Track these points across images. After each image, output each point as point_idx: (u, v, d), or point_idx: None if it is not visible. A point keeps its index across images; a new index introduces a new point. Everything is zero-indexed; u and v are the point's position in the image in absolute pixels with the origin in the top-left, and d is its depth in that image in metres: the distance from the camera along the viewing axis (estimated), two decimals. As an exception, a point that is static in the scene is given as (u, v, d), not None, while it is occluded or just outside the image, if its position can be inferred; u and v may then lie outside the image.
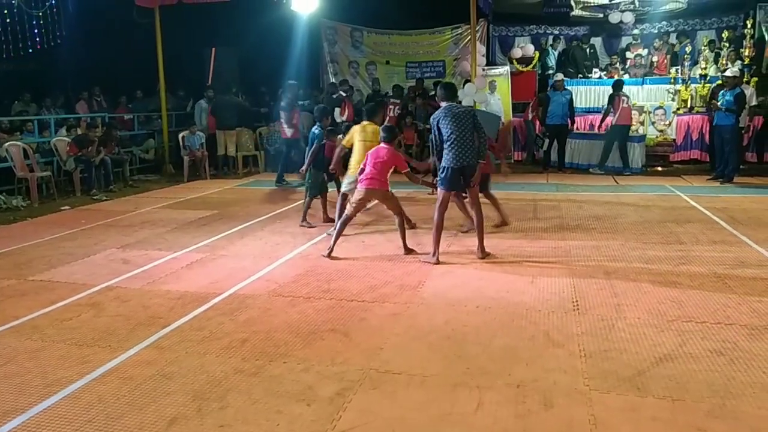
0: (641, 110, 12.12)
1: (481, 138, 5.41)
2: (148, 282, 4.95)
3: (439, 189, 5.48)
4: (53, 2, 10.09)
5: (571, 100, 11.16)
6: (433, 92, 12.95)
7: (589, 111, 12.47)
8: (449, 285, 4.75)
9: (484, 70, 12.29)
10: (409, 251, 5.66)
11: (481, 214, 5.52)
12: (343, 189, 6.62)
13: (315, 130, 7.03)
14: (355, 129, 6.52)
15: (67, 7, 10.51)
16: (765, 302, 4.17)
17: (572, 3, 13.50)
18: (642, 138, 11.11)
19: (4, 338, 3.84)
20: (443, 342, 3.64)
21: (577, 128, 11.59)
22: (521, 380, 3.12)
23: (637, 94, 12.44)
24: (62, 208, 8.56)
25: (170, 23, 12.07)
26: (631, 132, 11.13)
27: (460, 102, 11.27)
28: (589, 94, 12.89)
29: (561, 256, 5.50)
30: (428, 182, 6.26)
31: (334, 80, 15.26)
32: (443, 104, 5.51)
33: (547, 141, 11.40)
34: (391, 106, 12.31)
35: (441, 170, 5.43)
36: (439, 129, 5.39)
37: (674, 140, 11.54)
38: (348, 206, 5.74)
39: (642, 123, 12.12)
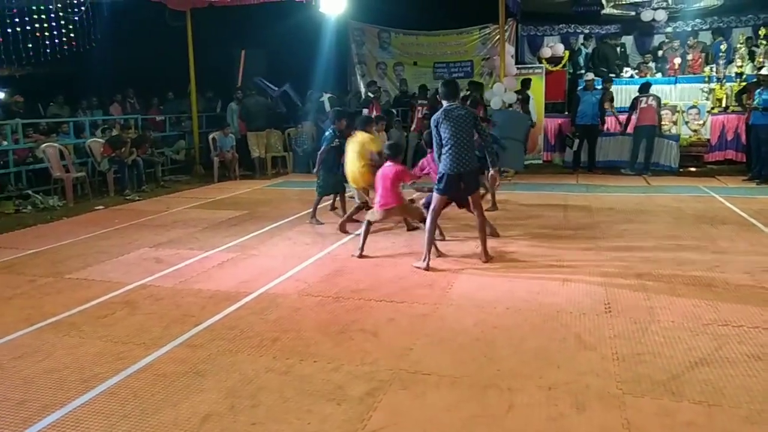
0: (674, 110, 11.91)
1: (486, 142, 5.24)
2: (180, 281, 5.03)
3: (434, 193, 5.32)
4: (88, 5, 10.29)
5: (601, 100, 11.01)
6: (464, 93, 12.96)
7: (620, 111, 12.28)
8: (478, 286, 4.72)
9: (519, 69, 12.20)
10: (439, 254, 5.58)
11: (483, 217, 5.41)
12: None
13: (327, 132, 7.14)
14: (350, 140, 6.63)
15: (101, 10, 10.71)
16: (805, 306, 4.06)
17: (603, 1, 13.31)
18: (677, 137, 10.92)
19: (43, 334, 3.94)
20: (473, 343, 3.62)
21: (608, 128, 11.44)
22: (553, 383, 3.09)
23: (670, 93, 12.23)
24: (96, 207, 8.75)
25: (201, 25, 12.24)
26: (664, 131, 10.95)
27: (471, 101, 11.15)
28: (620, 93, 12.69)
29: (592, 258, 5.43)
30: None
31: (361, 81, 15.35)
32: (444, 103, 5.28)
33: (577, 141, 11.26)
34: (418, 108, 12.32)
35: (438, 176, 5.25)
36: (438, 132, 5.18)
37: (708, 140, 11.31)
38: (370, 214, 5.76)
39: (675, 123, 11.91)
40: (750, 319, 3.87)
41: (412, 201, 6.20)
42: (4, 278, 5.19)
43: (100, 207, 8.79)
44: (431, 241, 5.28)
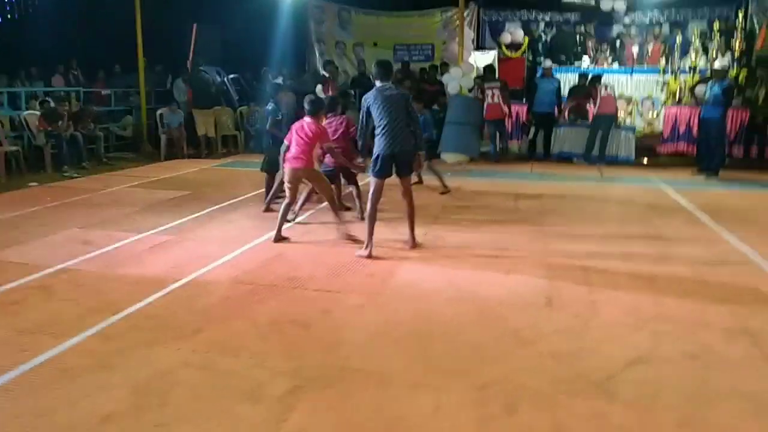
0: (629, 101, 11.97)
1: (415, 125, 5.06)
2: (105, 265, 4.72)
3: (371, 177, 5.12)
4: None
5: (558, 88, 10.96)
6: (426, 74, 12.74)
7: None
8: (420, 277, 4.56)
9: (473, 53, 12.04)
10: (350, 238, 5.41)
11: (412, 203, 5.22)
12: None
13: (268, 106, 6.95)
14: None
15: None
16: (744, 303, 4.02)
17: (562, -13, 13.27)
18: (634, 128, 10.97)
19: (-58, 322, 3.61)
20: (408, 338, 3.45)
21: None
22: (486, 381, 2.94)
23: (626, 84, 12.28)
24: (30, 184, 8.27)
25: (150, -3, 11.69)
26: (619, 122, 10.96)
27: (410, 82, 10.88)
28: (577, 82, 12.68)
29: (538, 248, 5.33)
30: (357, 165, 5.91)
31: (320, 60, 14.99)
32: (376, 83, 5.07)
33: (533, 129, 11.20)
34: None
35: (373, 158, 5.06)
36: (369, 113, 4.96)
37: (661, 132, 11.39)
38: (286, 190, 5.50)
39: (630, 114, 11.97)
40: (689, 316, 3.80)
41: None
42: None
43: (34, 183, 8.30)
44: (372, 228, 5.05)
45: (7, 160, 8.86)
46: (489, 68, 11.38)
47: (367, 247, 5.02)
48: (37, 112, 9.43)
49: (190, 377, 2.96)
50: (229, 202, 7.11)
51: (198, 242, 5.43)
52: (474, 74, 11.25)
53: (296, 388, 2.86)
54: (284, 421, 2.59)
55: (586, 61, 13.14)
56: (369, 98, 4.97)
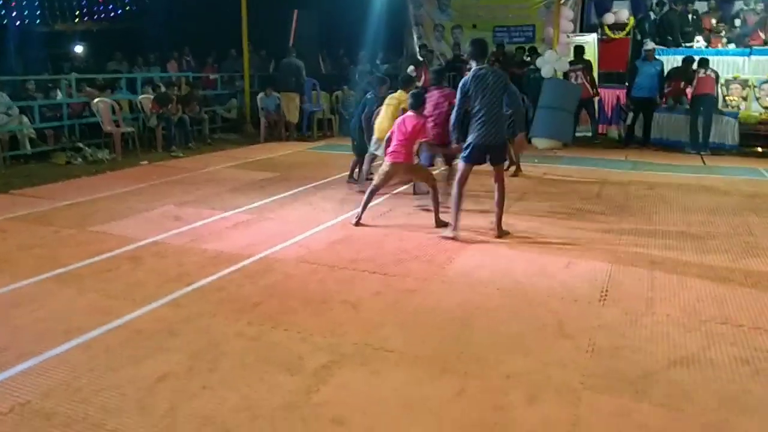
0: (745, 84, 11.08)
1: (516, 108, 5.07)
2: (191, 239, 5.17)
3: (459, 162, 5.20)
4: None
5: (661, 72, 10.36)
6: (519, 57, 12.49)
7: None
8: (478, 263, 4.62)
9: (568, 36, 11.62)
10: (441, 224, 5.50)
11: (503, 191, 5.22)
12: (370, 150, 6.83)
13: (368, 95, 7.17)
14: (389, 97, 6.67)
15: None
16: (822, 309, 3.75)
17: (676, -36, 12.41)
18: (735, 114, 10.18)
19: (47, 284, 4.15)
20: (449, 323, 3.56)
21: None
22: (514, 371, 3.00)
23: (743, 66, 11.36)
24: (141, 162, 9.08)
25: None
26: (732, 107, 10.22)
27: (527, 72, 10.74)
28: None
29: (609, 240, 5.20)
30: (449, 151, 5.96)
31: (417, 44, 15.05)
32: (473, 65, 5.04)
33: (631, 114, 10.70)
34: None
35: (465, 145, 5.09)
36: (465, 98, 4.96)
37: (781, 118, 10.48)
38: (375, 176, 5.69)
39: (745, 98, 11.09)
40: (754, 319, 3.62)
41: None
42: (32, 228, 5.49)
43: (145, 162, 9.11)
44: (458, 210, 5.16)
45: (123, 140, 9.76)
46: (576, 50, 11.00)
47: (454, 228, 5.15)
48: (151, 96, 10.28)
49: (240, 347, 3.25)
50: (312, 185, 7.46)
51: (276, 222, 5.79)
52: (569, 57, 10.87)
53: (332, 363, 3.07)
54: (315, 392, 2.81)
55: (699, 42, 12.30)
56: (466, 82, 4.96)
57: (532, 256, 4.80)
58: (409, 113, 5.48)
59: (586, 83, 10.54)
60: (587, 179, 7.84)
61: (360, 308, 3.78)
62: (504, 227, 5.28)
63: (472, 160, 5.09)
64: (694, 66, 10.12)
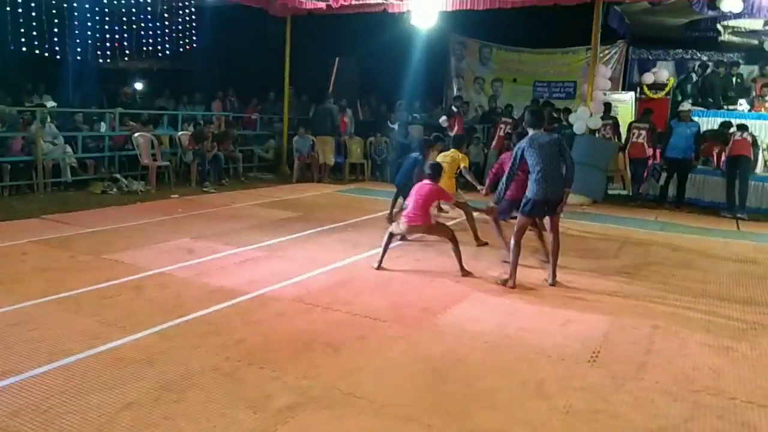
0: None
1: (567, 163, 5.33)
2: (196, 273, 5.29)
3: (519, 216, 5.51)
4: (191, 9, 11.11)
5: (697, 133, 10.16)
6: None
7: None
8: (474, 315, 4.56)
9: (604, 94, 11.58)
10: (466, 273, 5.57)
11: (558, 240, 5.46)
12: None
13: (417, 155, 7.45)
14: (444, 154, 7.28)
15: (205, 14, 11.50)
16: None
17: (720, 27, 12.31)
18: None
19: (49, 306, 4.31)
20: (426, 374, 3.51)
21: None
22: (478, 427, 2.92)
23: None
24: (172, 196, 9.39)
25: (299, 32, 12.75)
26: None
27: (557, 129, 10.87)
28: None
29: (616, 301, 5.05)
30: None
31: (458, 94, 15.24)
32: (530, 132, 5.47)
33: (664, 175, 10.49)
34: (501, 125, 12.04)
35: (524, 201, 5.42)
36: (523, 158, 5.37)
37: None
38: (394, 226, 5.83)
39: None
40: (749, 393, 3.43)
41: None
42: (51, 252, 5.73)
43: (176, 196, 9.41)
44: (516, 261, 5.32)
45: (159, 173, 10.14)
46: (605, 106, 11.02)
47: (510, 278, 5.30)
48: (189, 133, 10.70)
49: (212, 381, 3.28)
50: (331, 226, 7.55)
51: (284, 260, 5.86)
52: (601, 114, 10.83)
53: (297, 404, 3.06)
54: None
55: (742, 105, 12.07)
56: (523, 144, 5.39)
57: (532, 310, 4.72)
58: (426, 182, 5.74)
59: (645, 143, 10.56)
60: (609, 237, 7.68)
61: (341, 352, 3.77)
62: (510, 280, 5.26)
63: (533, 213, 5.45)
64: (732, 130, 9.95)
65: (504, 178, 5.58)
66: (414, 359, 3.71)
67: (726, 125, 10.22)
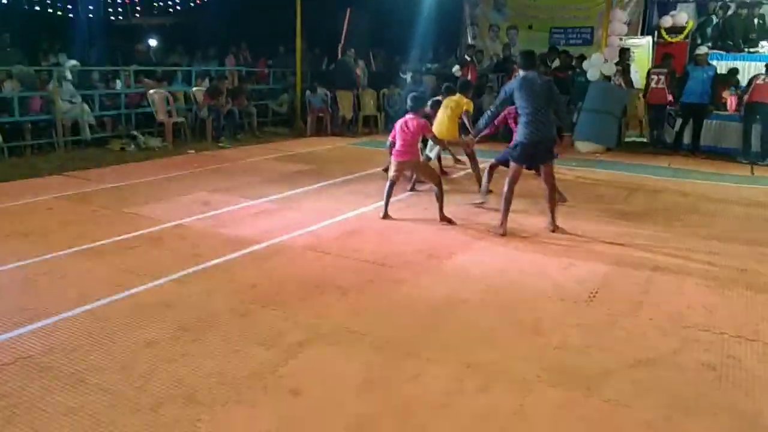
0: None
1: (560, 111, 5.33)
2: (212, 224, 5.50)
3: (510, 163, 5.48)
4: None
5: (713, 77, 10.01)
6: (556, 60, 12.34)
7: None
8: (478, 260, 4.72)
9: (621, 39, 11.37)
10: (445, 220, 5.69)
11: (553, 187, 5.49)
12: (426, 153, 7.13)
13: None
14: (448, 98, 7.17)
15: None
16: (817, 323, 3.66)
17: (742, -34, 11.93)
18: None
19: (75, 256, 4.55)
20: (428, 313, 3.70)
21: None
22: (475, 361, 3.12)
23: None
24: (189, 151, 9.58)
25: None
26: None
27: (571, 76, 10.79)
28: (745, 70, 11.42)
29: (618, 245, 5.16)
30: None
31: (472, 42, 15.03)
32: (521, 72, 5.41)
33: (680, 121, 10.40)
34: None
35: (513, 144, 5.42)
36: (506, 99, 5.34)
37: None
38: (390, 171, 5.94)
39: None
40: (738, 328, 3.57)
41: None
42: (73, 206, 5.98)
43: (192, 151, 9.60)
44: (507, 210, 5.37)
45: (175, 129, 10.32)
46: (621, 51, 10.84)
47: (501, 225, 5.36)
48: (203, 89, 10.81)
49: (227, 322, 3.50)
50: (343, 178, 7.70)
51: (296, 212, 6.05)
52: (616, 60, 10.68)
53: (306, 341, 3.28)
54: (283, 366, 3.02)
55: (764, 47, 11.81)
56: (513, 85, 5.32)
57: (535, 256, 4.86)
58: (409, 115, 5.73)
59: (665, 87, 10.44)
60: (620, 184, 7.73)
61: (349, 294, 3.97)
62: (518, 226, 5.42)
63: (523, 159, 5.37)
64: (757, 73, 9.74)
65: (486, 115, 5.59)
66: (417, 300, 3.90)
67: (733, 72, 10.08)
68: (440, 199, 5.69)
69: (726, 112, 10.49)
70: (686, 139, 10.42)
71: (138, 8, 11.82)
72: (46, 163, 8.17)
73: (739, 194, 7.37)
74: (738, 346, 3.36)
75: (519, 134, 5.31)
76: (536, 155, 5.37)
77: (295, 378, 2.91)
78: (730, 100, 10.58)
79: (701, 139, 10.28)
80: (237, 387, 2.82)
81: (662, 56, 11.04)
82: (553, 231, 5.46)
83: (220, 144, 10.27)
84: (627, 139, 11.58)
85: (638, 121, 12.00)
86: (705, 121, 10.22)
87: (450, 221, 5.65)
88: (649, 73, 10.86)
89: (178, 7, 13.84)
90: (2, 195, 6.30)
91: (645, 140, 11.59)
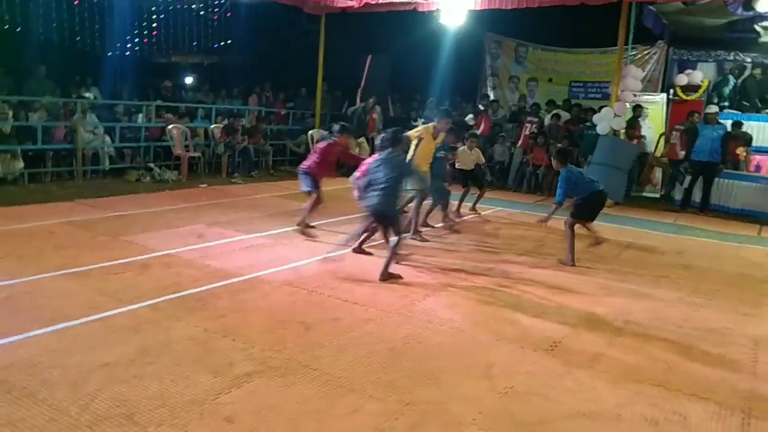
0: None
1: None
2: (200, 255, 5.67)
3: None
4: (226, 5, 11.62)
5: (724, 136, 10.00)
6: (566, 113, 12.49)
7: (758, 150, 11.06)
8: (451, 303, 4.78)
9: (635, 95, 11.47)
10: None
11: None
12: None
13: (442, 154, 7.51)
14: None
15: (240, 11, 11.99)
16: (776, 386, 3.61)
17: (758, 29, 11.99)
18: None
19: (60, 278, 4.74)
20: (383, 353, 3.76)
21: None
22: (416, 400, 3.16)
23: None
24: (200, 185, 9.89)
25: (333, 30, 13.10)
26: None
27: (581, 129, 10.91)
28: (762, 131, 11.38)
29: (598, 298, 5.16)
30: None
31: (491, 94, 15.28)
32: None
33: (689, 178, 10.35)
34: (527, 124, 12.10)
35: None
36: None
37: None
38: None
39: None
40: (694, 386, 3.54)
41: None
42: (73, 232, 6.23)
43: (204, 185, 9.91)
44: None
45: (191, 163, 10.67)
46: (634, 108, 10.94)
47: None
48: (221, 126, 11.20)
49: (185, 349, 3.62)
50: (343, 217, 7.85)
51: (287, 247, 6.20)
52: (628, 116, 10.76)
53: (254, 372, 3.36)
54: (225, 393, 3.11)
55: (783, 108, 11.78)
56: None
57: (505, 305, 4.85)
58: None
59: (678, 143, 10.57)
60: (616, 238, 7.70)
61: (311, 330, 4.06)
62: (498, 273, 5.46)
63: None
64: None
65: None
66: (377, 339, 3.96)
67: (737, 125, 10.10)
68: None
69: (738, 172, 10.39)
70: (696, 197, 10.36)
71: (164, 47, 12.39)
72: (62, 190, 8.53)
73: (740, 254, 7.28)
74: (688, 403, 3.33)
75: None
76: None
77: (233, 406, 2.99)
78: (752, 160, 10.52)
79: (711, 198, 10.20)
80: (175, 410, 2.92)
81: (687, 114, 11.01)
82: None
83: (233, 180, 10.57)
84: (643, 194, 11.59)
85: (649, 177, 11.98)
86: (716, 179, 10.15)
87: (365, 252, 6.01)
88: (672, 129, 10.94)
89: (213, 47, 14.44)
90: (11, 218, 6.61)
91: (658, 196, 11.57)
